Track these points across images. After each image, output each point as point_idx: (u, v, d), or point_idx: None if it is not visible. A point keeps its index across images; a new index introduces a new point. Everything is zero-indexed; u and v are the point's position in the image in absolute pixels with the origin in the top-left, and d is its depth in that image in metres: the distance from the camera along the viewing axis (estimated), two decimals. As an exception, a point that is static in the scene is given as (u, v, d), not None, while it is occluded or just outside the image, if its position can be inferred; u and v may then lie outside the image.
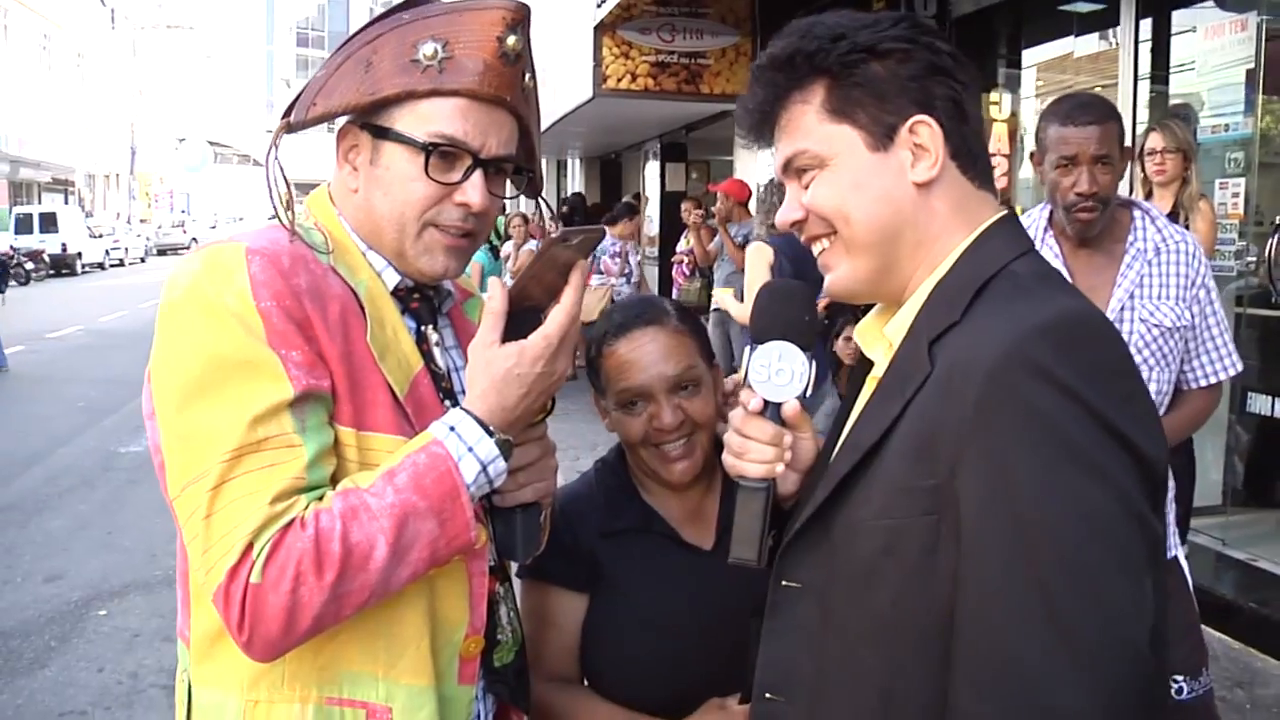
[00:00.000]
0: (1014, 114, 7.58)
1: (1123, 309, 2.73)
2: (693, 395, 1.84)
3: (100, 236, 38.71)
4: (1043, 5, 7.13)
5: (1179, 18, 5.93)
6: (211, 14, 65.95)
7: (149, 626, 5.37)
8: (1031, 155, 2.92)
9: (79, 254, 35.06)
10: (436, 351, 1.55)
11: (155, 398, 1.36)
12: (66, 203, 43.18)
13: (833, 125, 1.30)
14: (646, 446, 1.85)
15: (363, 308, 1.42)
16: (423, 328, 1.55)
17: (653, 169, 16.81)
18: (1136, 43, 5.84)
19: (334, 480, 1.35)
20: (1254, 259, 5.37)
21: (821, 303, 8.37)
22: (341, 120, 1.51)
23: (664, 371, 1.82)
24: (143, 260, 41.68)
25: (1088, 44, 6.91)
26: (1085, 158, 2.69)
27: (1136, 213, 2.83)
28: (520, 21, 1.47)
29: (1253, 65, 5.31)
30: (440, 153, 1.43)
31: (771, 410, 1.39)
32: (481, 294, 1.69)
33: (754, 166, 11.27)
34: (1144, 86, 5.85)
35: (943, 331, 1.21)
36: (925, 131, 1.27)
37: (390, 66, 1.43)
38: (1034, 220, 2.85)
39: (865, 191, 1.29)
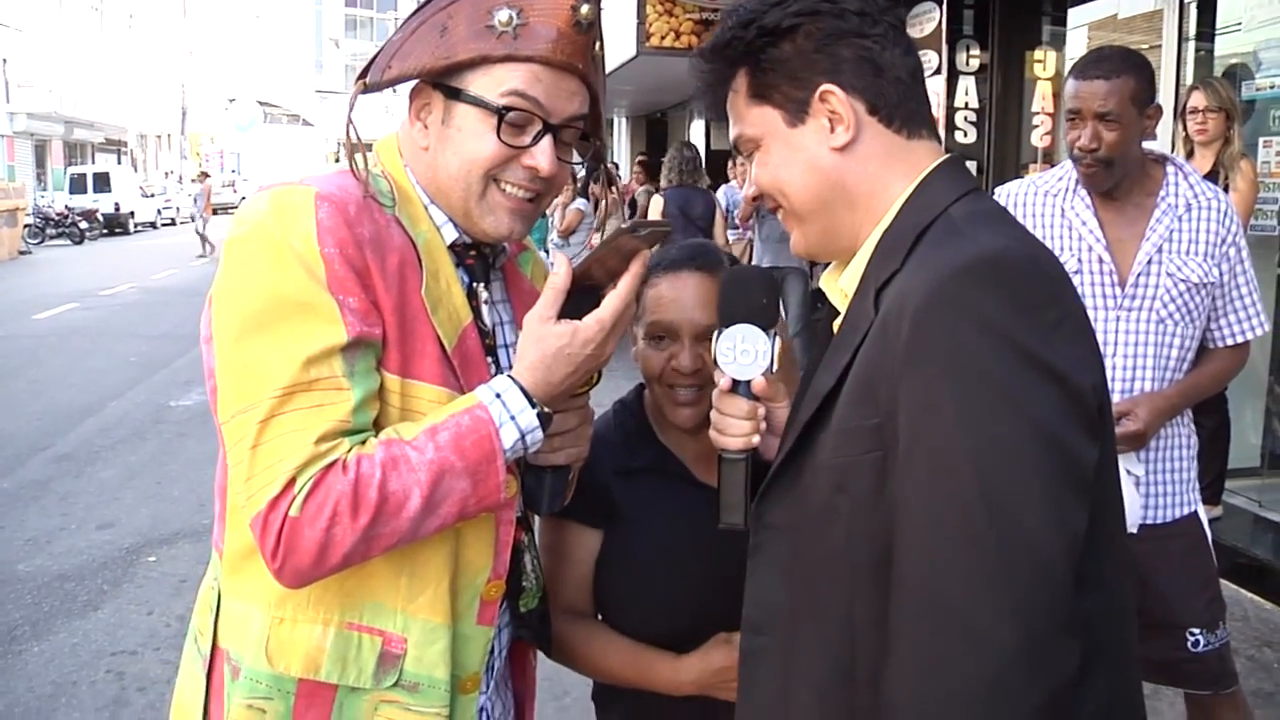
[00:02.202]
0: (1059, 73, 7.50)
1: (1150, 262, 2.73)
2: None
3: (152, 196, 39.16)
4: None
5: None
6: (261, -26, 66.17)
7: (196, 573, 5.48)
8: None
9: (131, 213, 35.51)
10: (485, 310, 1.60)
11: (215, 324, 1.41)
12: (119, 163, 43.71)
13: (757, 108, 1.38)
14: (661, 384, 1.91)
15: (420, 260, 1.47)
16: (475, 284, 1.59)
17: (698, 128, 16.75)
18: (1183, 1, 5.75)
19: (376, 425, 1.41)
20: (1295, 219, 5.31)
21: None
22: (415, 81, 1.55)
23: (696, 318, 1.87)
24: (193, 219, 42.05)
25: (1134, 2, 6.80)
26: (1089, 113, 2.70)
27: (1170, 168, 2.81)
28: None
29: (1301, 21, 5.22)
30: (513, 116, 1.47)
31: (743, 387, 1.51)
32: (538, 252, 1.77)
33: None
34: (1190, 46, 5.77)
35: (887, 280, 1.26)
36: (833, 99, 1.33)
37: (465, 32, 1.46)
38: (1066, 171, 2.85)
39: (793, 165, 1.36)
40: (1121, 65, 2.69)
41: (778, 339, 1.50)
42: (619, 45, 11.54)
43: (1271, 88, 5.41)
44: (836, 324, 1.42)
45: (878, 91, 1.34)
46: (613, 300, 1.47)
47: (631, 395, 2.07)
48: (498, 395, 1.44)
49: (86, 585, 5.41)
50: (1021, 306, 1.14)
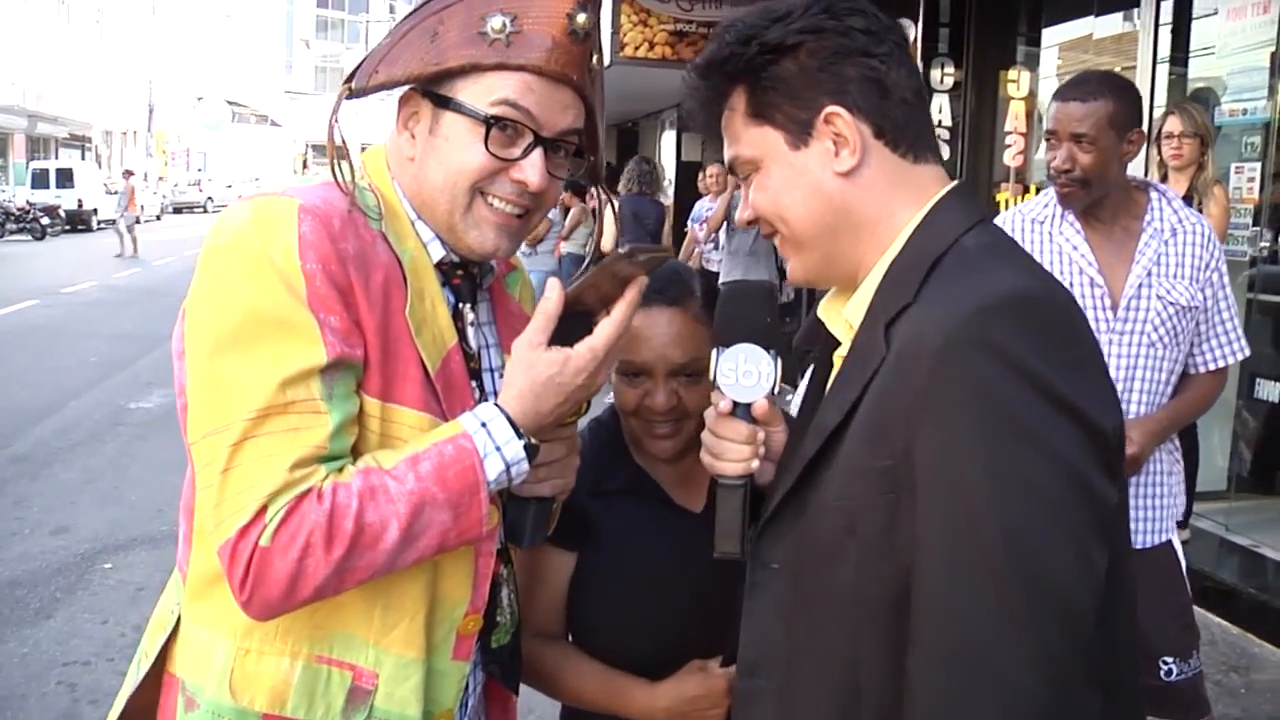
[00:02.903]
0: (1032, 93, 7.54)
1: (1141, 285, 2.74)
2: (692, 385, 1.85)
3: (115, 193, 38.66)
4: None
5: (1200, 2, 5.88)
6: (232, -28, 65.69)
7: (153, 581, 5.40)
8: None
9: (94, 210, 35.08)
10: (470, 331, 1.54)
11: (188, 339, 1.36)
12: (84, 159, 43.27)
13: (756, 129, 1.32)
14: (637, 418, 1.87)
15: (405, 279, 1.42)
16: (461, 305, 1.54)
17: (669, 138, 16.75)
18: (1157, 24, 5.79)
19: (354, 451, 1.35)
20: (1267, 244, 5.34)
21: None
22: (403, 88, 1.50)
23: (669, 356, 1.83)
24: (158, 218, 41.67)
25: (1108, 24, 6.86)
26: (1064, 135, 2.72)
27: (1153, 194, 2.83)
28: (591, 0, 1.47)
29: (1275, 48, 5.25)
30: (501, 126, 1.41)
31: (742, 410, 1.44)
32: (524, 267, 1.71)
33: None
34: (1163, 69, 5.81)
35: (898, 313, 1.22)
36: (839, 121, 1.28)
37: (457, 38, 1.42)
38: (1050, 199, 2.86)
39: (794, 191, 1.31)
40: (1099, 88, 2.69)
41: (779, 360, 1.45)
42: (593, 54, 11.50)
43: (1244, 113, 5.44)
44: (838, 355, 1.37)
45: (884, 113, 1.29)
46: (607, 327, 1.42)
47: (607, 414, 2.02)
48: (483, 424, 1.38)
49: (39, 592, 5.28)
50: (1046, 345, 1.10)
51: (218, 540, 1.28)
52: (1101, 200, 2.75)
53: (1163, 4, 5.76)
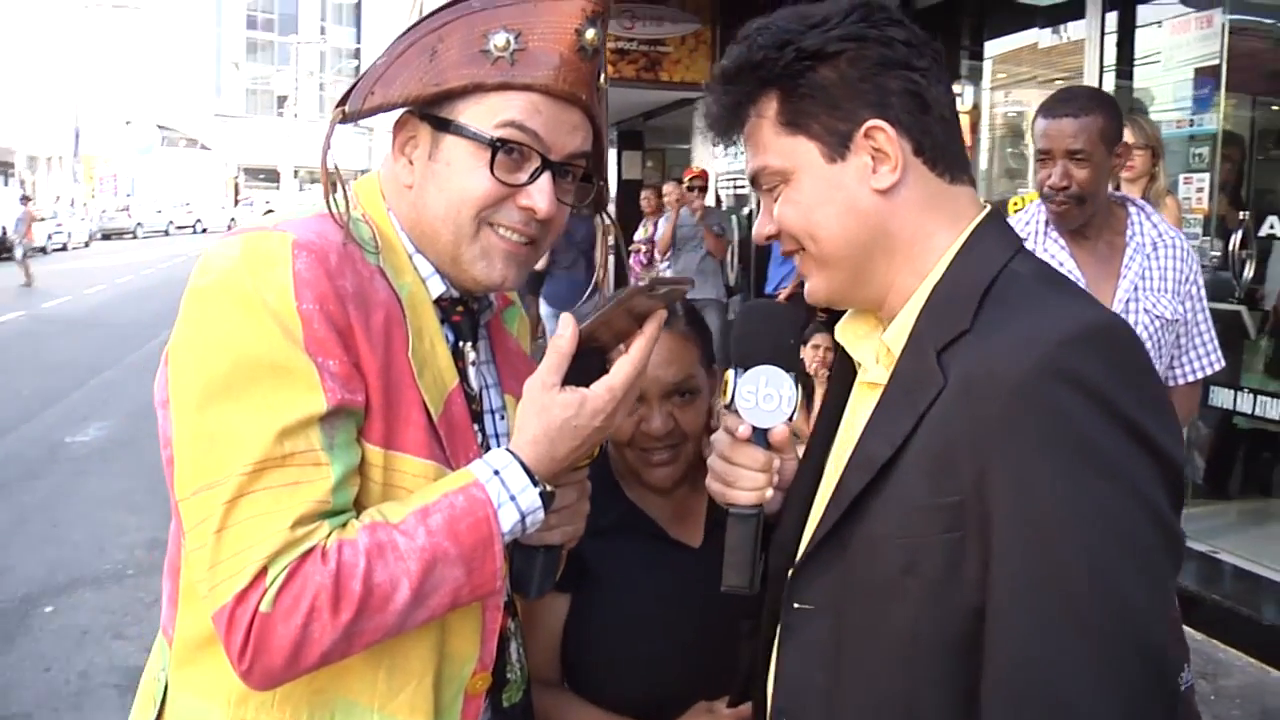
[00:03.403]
0: (975, 106, 7.59)
1: (1128, 300, 2.75)
2: (687, 405, 1.79)
3: (41, 220, 37.79)
4: (1007, -2, 7.13)
5: (1144, 12, 5.94)
6: (158, -6, 64.73)
7: (99, 623, 5.22)
8: None
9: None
10: (471, 372, 1.46)
11: (173, 387, 1.26)
12: (6, 185, 42.23)
13: (788, 138, 1.26)
14: (632, 448, 1.80)
15: (405, 317, 1.33)
16: (460, 343, 1.45)
17: (609, 156, 16.70)
18: (1102, 35, 5.85)
19: (356, 504, 1.27)
20: (1218, 254, 5.40)
21: (783, 294, 8.40)
22: (399, 110, 1.41)
23: (661, 376, 1.76)
24: (87, 245, 40.80)
25: (1052, 36, 6.92)
26: (1059, 152, 2.71)
27: (1132, 209, 2.86)
28: (601, 14, 1.38)
29: (1218, 61, 5.33)
30: (508, 150, 1.33)
31: (758, 435, 1.38)
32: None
33: (711, 156, 11.24)
34: (1109, 79, 5.86)
35: (952, 340, 1.17)
36: (881, 135, 1.22)
37: (457, 56, 1.33)
38: (1032, 216, 2.85)
39: (828, 206, 1.25)
40: (1089, 103, 2.69)
41: (799, 385, 1.38)
42: (534, 73, 11.42)
43: (1191, 124, 5.51)
44: (865, 381, 1.31)
45: (924, 130, 1.24)
46: (625, 366, 1.34)
47: (597, 451, 1.94)
48: (496, 472, 1.30)
49: (-25, 640, 5.06)
50: (1126, 379, 1.08)
51: (212, 605, 1.18)
52: (1089, 216, 2.73)
53: (1108, 15, 5.81)
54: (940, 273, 1.24)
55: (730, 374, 1.38)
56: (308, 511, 1.20)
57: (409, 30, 1.39)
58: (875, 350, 1.35)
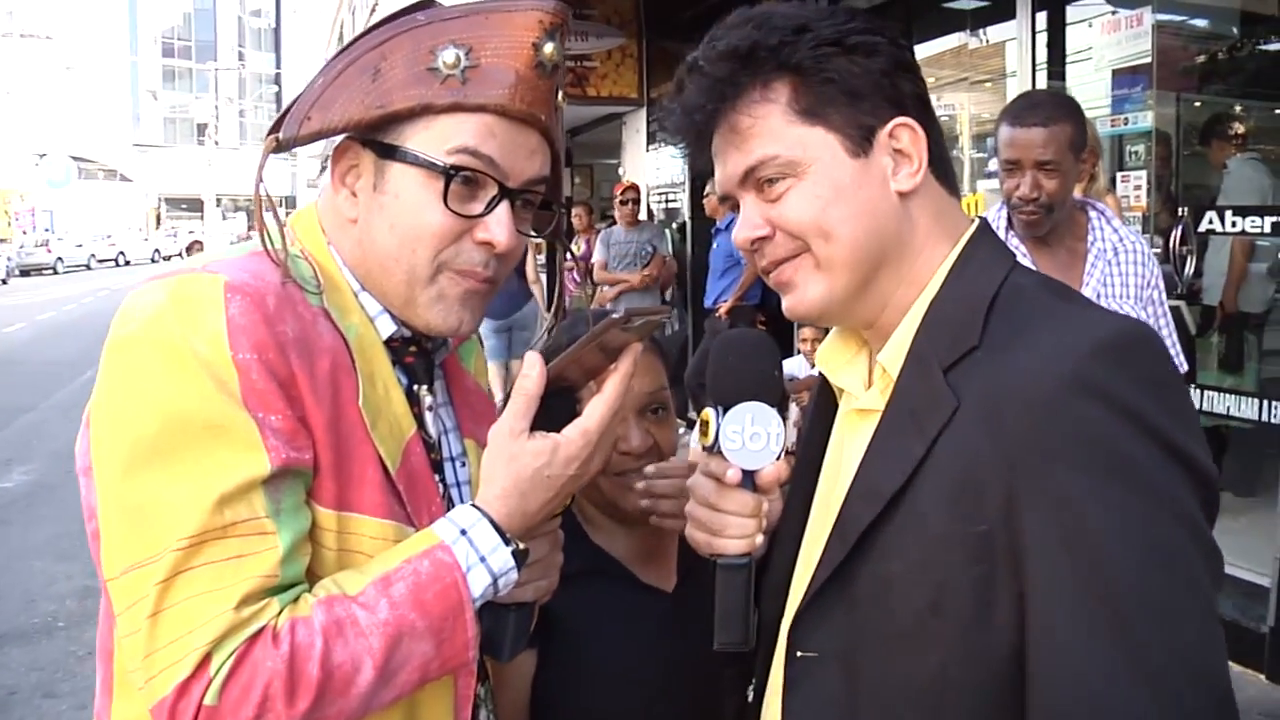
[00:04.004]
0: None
1: None
2: (662, 422, 1.69)
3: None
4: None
5: (1073, 12, 5.97)
6: (70, 23, 63.45)
7: (27, 682, 4.97)
8: (997, 153, 2.85)
9: (-70, 277, 33.33)
10: (429, 417, 1.33)
11: (95, 453, 1.12)
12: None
13: (804, 128, 1.15)
14: (606, 474, 1.67)
15: (354, 362, 1.20)
16: (415, 386, 1.32)
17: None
18: (1033, 35, 5.87)
19: (308, 573, 1.14)
20: (1158, 250, 5.42)
21: (723, 308, 8.31)
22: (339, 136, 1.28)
23: (637, 387, 1.65)
24: (4, 282, 39.73)
25: (980, 38, 6.94)
26: (1028, 162, 2.64)
27: (1093, 213, 2.82)
28: (560, 26, 1.26)
29: (1149, 59, 5.36)
30: (463, 178, 1.21)
31: (745, 478, 1.26)
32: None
33: (641, 170, 11.17)
34: (1041, 78, 5.88)
35: (960, 358, 1.09)
36: (906, 135, 1.15)
37: (403, 75, 1.21)
38: (992, 220, 2.77)
39: (847, 204, 1.15)
40: (1056, 111, 2.64)
41: (786, 419, 1.26)
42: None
43: (1126, 123, 5.53)
44: (857, 406, 1.22)
45: (934, 138, 1.16)
46: (599, 406, 1.22)
47: None
48: (463, 532, 1.17)
49: (-106, 706, 4.78)
50: (1157, 391, 1.03)
51: (150, 698, 1.04)
52: (1055, 223, 2.69)
53: (1038, 15, 5.83)
54: (936, 287, 1.17)
55: (711, 413, 1.26)
56: (254, 588, 1.08)
57: (347, 48, 1.27)
58: (861, 375, 1.26)
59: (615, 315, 1.19)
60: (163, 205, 63.69)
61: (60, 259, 47.13)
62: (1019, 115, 2.69)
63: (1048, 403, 1.00)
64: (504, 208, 1.24)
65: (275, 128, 1.25)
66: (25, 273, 44.54)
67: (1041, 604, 1.01)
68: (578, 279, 10.52)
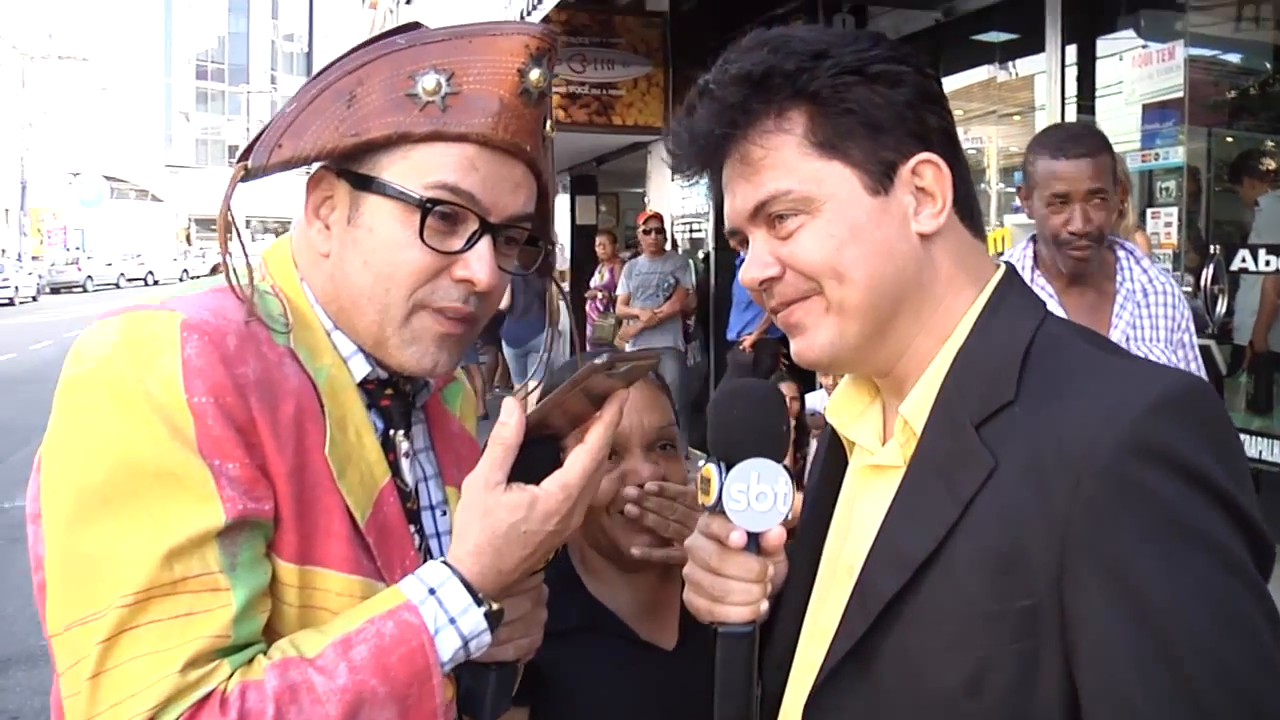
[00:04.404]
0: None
1: None
2: (671, 459, 1.61)
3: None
4: (963, 32, 7.06)
5: (1104, 45, 5.89)
6: (106, 45, 64.33)
7: (30, 706, 4.92)
8: (1019, 189, 2.74)
9: (-41, 292, 33.70)
10: (405, 464, 1.25)
11: (45, 499, 1.06)
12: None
13: (821, 161, 1.07)
14: (611, 514, 1.60)
15: (323, 406, 1.13)
16: (392, 432, 1.25)
17: (562, 202, 16.60)
18: (1063, 69, 5.78)
19: (268, 631, 1.07)
20: (1189, 289, 5.30)
21: (747, 341, 8.20)
22: (314, 165, 1.21)
23: (645, 423, 1.59)
24: (34, 299, 40.13)
25: (1007, 71, 6.86)
26: (1079, 194, 2.53)
27: (1120, 252, 2.71)
28: (547, 52, 1.20)
29: (1181, 94, 5.26)
30: (441, 212, 1.14)
31: (749, 540, 1.16)
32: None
33: (666, 199, 11.12)
34: (1070, 112, 5.78)
35: (993, 413, 1.01)
36: (930, 172, 1.07)
37: (380, 102, 1.15)
38: (1018, 261, 2.67)
39: (863, 244, 1.07)
40: (1100, 140, 2.56)
41: (793, 477, 1.17)
42: (485, 117, 11.29)
43: (1157, 158, 5.42)
44: (873, 462, 1.13)
45: (960, 176, 1.08)
46: (581, 458, 1.14)
47: None
48: (431, 591, 1.09)
49: (-106, 728, 4.74)
50: (1219, 450, 0.96)
51: None
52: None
53: (1067, 48, 5.74)
54: (963, 336, 1.08)
55: (713, 470, 1.17)
56: (203, 649, 1.01)
57: (323, 72, 1.20)
58: (876, 429, 1.17)
59: (598, 361, 1.11)
60: (193, 226, 64.27)
61: (90, 277, 47.64)
62: (1061, 147, 2.57)
63: (1104, 465, 0.93)
64: (485, 244, 1.17)
65: (245, 155, 1.19)
66: (55, 290, 44.99)
67: (1099, 681, 0.93)
68: (600, 308, 10.47)
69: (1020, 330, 1.07)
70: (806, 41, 1.10)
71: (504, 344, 10.63)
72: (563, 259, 15.65)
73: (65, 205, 56.36)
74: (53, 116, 58.65)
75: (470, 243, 1.17)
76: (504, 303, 10.45)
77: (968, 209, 1.13)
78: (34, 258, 52.13)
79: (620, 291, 9.52)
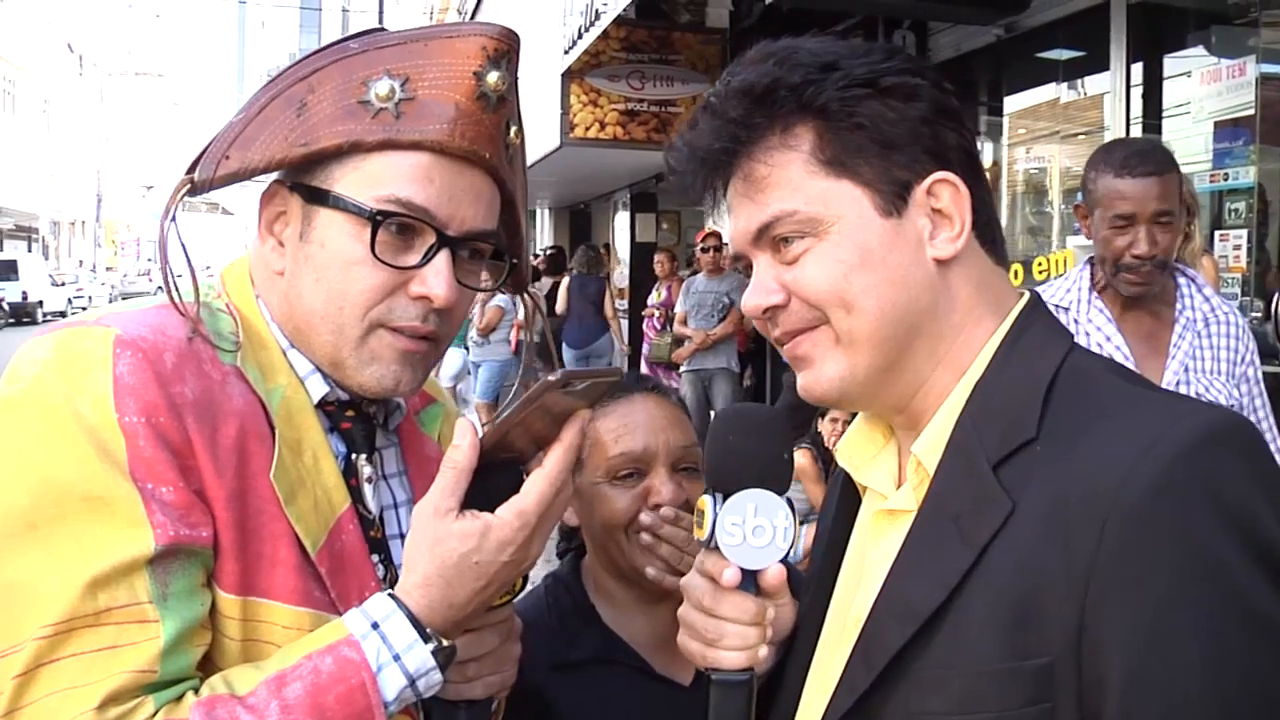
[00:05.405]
0: (995, 162, 7.36)
1: (1178, 383, 2.44)
2: (694, 479, 1.54)
3: (63, 285, 38.14)
4: (1025, 50, 6.92)
5: (1171, 63, 5.72)
6: (181, 61, 65.90)
7: None
8: (1076, 208, 2.60)
9: (40, 302, 34.45)
10: (368, 489, 1.18)
11: None
12: (30, 250, 42.72)
13: (828, 180, 0.99)
14: (630, 534, 1.53)
15: (272, 428, 1.07)
16: (354, 456, 1.18)
17: (622, 219, 16.61)
18: (1128, 88, 5.61)
19: (207, 664, 1.01)
20: (1259, 313, 5.11)
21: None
22: (268, 178, 1.16)
23: (671, 440, 1.54)
24: (107, 308, 41.12)
25: (1072, 90, 6.70)
26: (1145, 215, 2.37)
27: (1182, 279, 2.56)
28: (506, 54, 1.13)
29: (1252, 112, 5.08)
30: (393, 225, 1.08)
31: (747, 579, 1.07)
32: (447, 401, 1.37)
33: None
34: (1136, 131, 5.61)
35: (1012, 451, 0.92)
36: (947, 193, 0.98)
37: (331, 109, 1.09)
38: (1074, 282, 2.54)
39: (875, 269, 0.98)
40: (1167, 158, 2.41)
41: (795, 512, 1.08)
42: (542, 136, 11.29)
43: (1226, 178, 5.24)
44: (886, 507, 1.04)
45: (980, 197, 0.99)
46: (538, 483, 1.06)
47: (566, 568, 1.68)
48: (375, 625, 1.02)
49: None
50: (1265, 496, 0.86)
51: None
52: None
53: (1133, 66, 5.57)
54: (981, 369, 1.00)
55: (707, 501, 1.08)
56: (124, 684, 0.94)
57: (273, 80, 1.14)
58: (890, 471, 1.08)
59: (552, 378, 1.02)
60: (192, 263, 65.70)
61: (160, 289, 48.64)
62: (1127, 164, 2.41)
63: (1135, 510, 0.85)
64: (443, 258, 1.10)
65: (193, 167, 1.13)
66: (126, 298, 46.01)
67: None
68: (658, 326, 10.41)
69: (1044, 363, 0.98)
70: (815, 53, 1.02)
71: (564, 347, 10.68)
72: (622, 277, 15.63)
73: (138, 218, 57.71)
74: (128, 131, 60.13)
75: (427, 257, 1.10)
76: (560, 307, 10.96)
77: (988, 233, 1.04)
78: (108, 269, 53.42)
79: (678, 310, 9.45)
